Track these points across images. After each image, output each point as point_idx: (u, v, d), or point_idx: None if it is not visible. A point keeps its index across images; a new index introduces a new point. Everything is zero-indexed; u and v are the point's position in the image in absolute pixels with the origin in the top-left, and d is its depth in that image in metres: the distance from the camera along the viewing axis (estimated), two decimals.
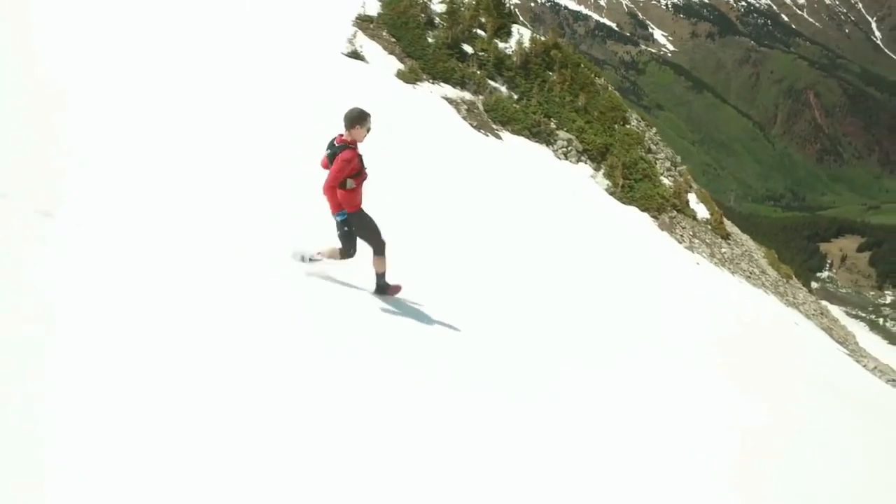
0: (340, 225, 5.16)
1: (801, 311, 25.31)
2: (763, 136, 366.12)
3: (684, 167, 29.08)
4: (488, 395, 4.89)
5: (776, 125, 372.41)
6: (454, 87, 21.96)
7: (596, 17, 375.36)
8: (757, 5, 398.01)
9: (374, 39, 22.88)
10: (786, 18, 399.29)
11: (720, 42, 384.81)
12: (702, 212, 26.48)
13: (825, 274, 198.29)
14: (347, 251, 5.30)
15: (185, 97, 10.30)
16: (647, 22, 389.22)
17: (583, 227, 17.98)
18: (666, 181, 25.60)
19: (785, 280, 28.84)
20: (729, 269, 22.97)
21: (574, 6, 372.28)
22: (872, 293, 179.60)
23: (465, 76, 22.47)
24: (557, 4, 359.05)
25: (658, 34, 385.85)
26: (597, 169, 23.06)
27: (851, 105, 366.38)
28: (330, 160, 4.95)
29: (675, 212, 23.65)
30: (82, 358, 2.85)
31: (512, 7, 29.93)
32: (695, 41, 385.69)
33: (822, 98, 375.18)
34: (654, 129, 29.58)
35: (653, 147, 27.06)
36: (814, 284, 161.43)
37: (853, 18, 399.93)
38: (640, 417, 6.20)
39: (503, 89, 23.47)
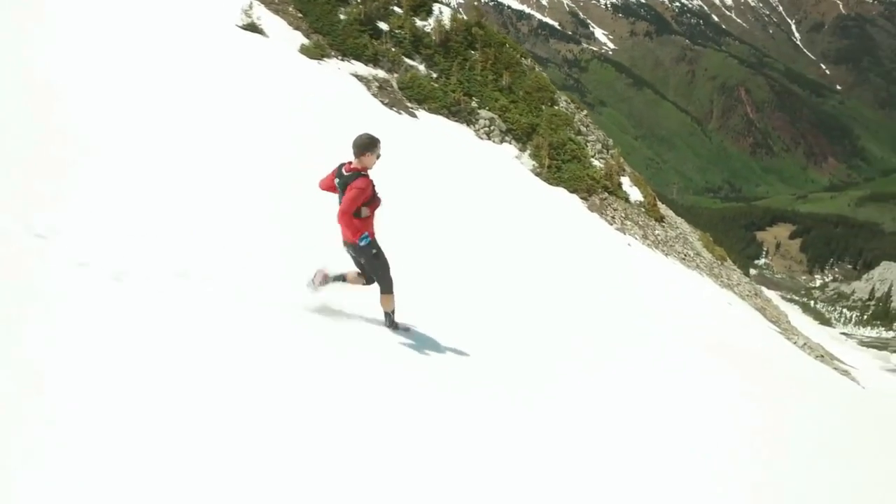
0: (362, 251, 4.91)
1: (735, 293, 24.65)
2: (701, 131, 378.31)
3: (616, 150, 28.12)
4: (487, 398, 4.89)
5: (712, 120, 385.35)
6: (366, 64, 20.19)
7: (538, 16, 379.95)
8: (690, 6, 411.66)
9: (278, 14, 20.85)
10: (716, 19, 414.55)
11: (658, 41, 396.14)
12: (635, 195, 25.53)
13: (762, 261, 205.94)
14: (370, 278, 5.18)
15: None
16: (588, 21, 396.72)
17: (507, 207, 16.48)
18: (597, 163, 24.49)
19: (720, 262, 28.24)
20: (663, 250, 21.99)
21: (517, 5, 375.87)
22: (804, 277, 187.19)
23: (378, 53, 20.73)
24: (501, 4, 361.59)
25: (599, 33, 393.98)
26: (522, 149, 21.69)
27: (778, 101, 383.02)
28: (341, 189, 4.77)
29: (606, 193, 22.55)
30: (89, 362, 2.90)
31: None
32: (634, 39, 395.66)
33: (753, 94, 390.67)
34: (584, 112, 28.47)
35: (583, 129, 25.92)
36: (752, 271, 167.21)
37: (775, 20, 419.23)
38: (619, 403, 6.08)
39: (421, 67, 21.84)
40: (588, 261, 15.77)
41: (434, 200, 13.21)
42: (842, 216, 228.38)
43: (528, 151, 21.17)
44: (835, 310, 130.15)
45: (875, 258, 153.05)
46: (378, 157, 4.83)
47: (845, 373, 22.94)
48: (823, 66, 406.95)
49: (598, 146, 26.10)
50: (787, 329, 22.40)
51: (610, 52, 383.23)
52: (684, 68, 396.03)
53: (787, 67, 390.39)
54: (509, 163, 20.25)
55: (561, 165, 21.49)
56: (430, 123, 18.95)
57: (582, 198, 20.83)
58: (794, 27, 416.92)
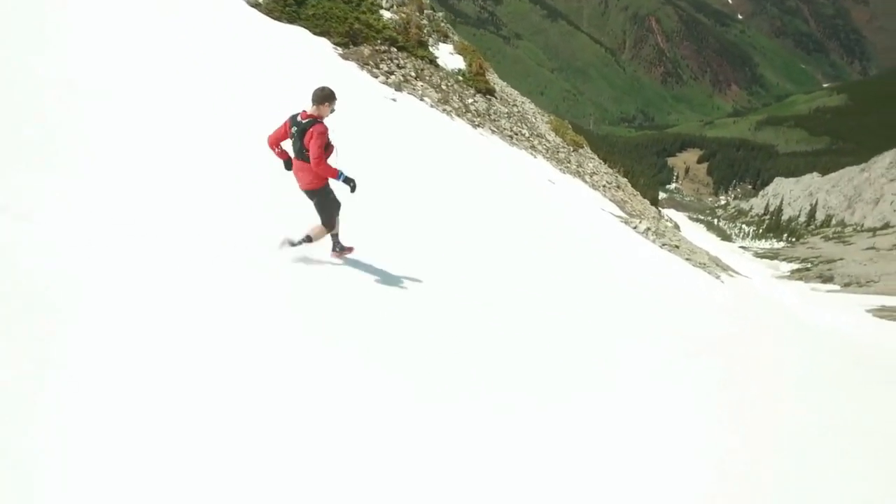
0: (323, 193, 5.05)
1: (587, 181, 18.90)
2: (615, 62, 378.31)
3: (441, 14, 21.34)
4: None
5: (625, 51, 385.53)
6: None
7: None
8: None
9: None
10: None
11: None
12: (455, 62, 18.87)
13: (673, 185, 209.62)
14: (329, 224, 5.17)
15: None
16: None
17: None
18: (387, 13, 17.48)
19: (573, 148, 22.23)
20: (476, 121, 15.60)
21: None
22: (710, 199, 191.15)
23: None
24: None
25: None
26: None
27: (686, 30, 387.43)
28: (299, 136, 4.73)
29: (389, 46, 15.63)
30: (76, 357, 2.63)
31: None
32: None
33: (663, 24, 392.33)
34: None
35: None
36: (663, 195, 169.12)
37: None
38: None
39: None
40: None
41: None
42: (743, 140, 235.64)
43: None
44: (735, 226, 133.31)
45: (770, 177, 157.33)
46: (332, 110, 4.88)
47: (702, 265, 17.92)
48: None
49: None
50: (645, 221, 17.00)
51: None
52: None
53: None
54: None
55: None
56: None
57: (337, 43, 13.87)
58: None
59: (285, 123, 4.85)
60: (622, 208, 20.61)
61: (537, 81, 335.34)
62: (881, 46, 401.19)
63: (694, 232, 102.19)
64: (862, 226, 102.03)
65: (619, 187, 23.10)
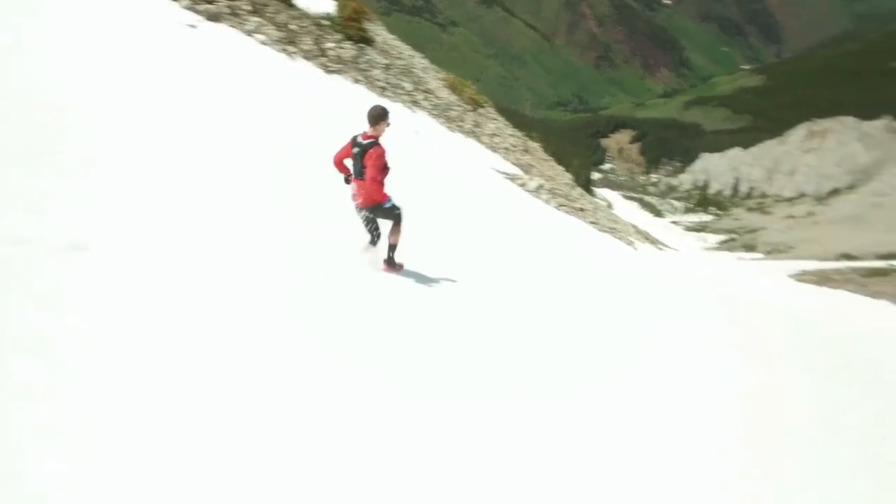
0: (385, 210, 5.20)
1: (484, 143, 16.16)
2: (549, 47, 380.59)
3: None
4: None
5: (559, 36, 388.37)
6: None
7: None
8: None
9: None
10: None
11: None
12: (321, 7, 15.64)
13: (607, 165, 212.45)
14: (374, 239, 5.41)
15: None
16: None
17: None
18: None
19: (471, 108, 19.32)
20: (332, 67, 12.52)
21: None
22: (643, 177, 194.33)
23: None
24: None
25: None
26: None
27: (617, 15, 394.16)
28: (360, 156, 4.97)
29: None
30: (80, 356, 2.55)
31: None
32: None
33: (595, 9, 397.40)
34: None
35: None
36: (598, 175, 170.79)
37: None
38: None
39: None
40: None
41: None
42: (672, 119, 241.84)
43: None
44: (666, 202, 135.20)
45: (698, 155, 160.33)
46: (388, 125, 5.06)
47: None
48: None
49: None
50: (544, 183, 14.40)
51: None
52: None
53: None
54: None
55: None
56: None
57: None
58: None
59: (348, 143, 5.11)
60: (527, 172, 18.06)
61: (474, 68, 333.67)
62: (792, 30, 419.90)
63: (627, 209, 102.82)
64: (781, 196, 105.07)
65: (526, 151, 20.59)
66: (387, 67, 17.09)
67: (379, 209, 5.10)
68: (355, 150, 4.94)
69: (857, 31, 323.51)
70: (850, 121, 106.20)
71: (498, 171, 14.59)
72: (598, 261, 11.48)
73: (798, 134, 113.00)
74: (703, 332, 7.77)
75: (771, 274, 40.93)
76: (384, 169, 4.94)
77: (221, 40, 10.68)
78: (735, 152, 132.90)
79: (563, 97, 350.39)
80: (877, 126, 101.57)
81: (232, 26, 11.75)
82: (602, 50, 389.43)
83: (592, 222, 16.64)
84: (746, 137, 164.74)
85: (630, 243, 19.24)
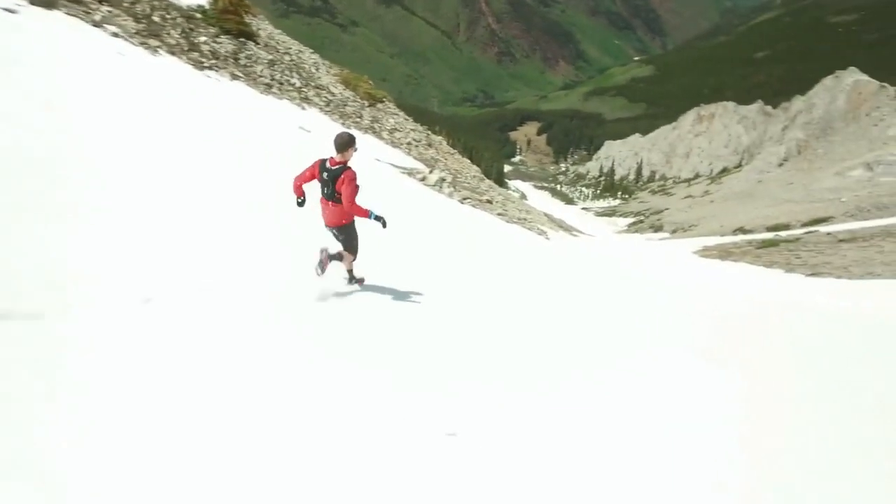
0: (348, 229, 5.41)
1: (385, 138, 14.74)
2: (452, 44, 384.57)
3: None
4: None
5: (460, 33, 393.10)
6: None
7: None
8: None
9: None
10: None
11: None
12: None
13: (517, 158, 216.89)
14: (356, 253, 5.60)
15: None
16: None
17: None
18: None
19: (368, 103, 17.91)
20: (206, 62, 10.66)
21: None
22: (553, 167, 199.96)
23: None
24: None
25: None
26: None
27: (514, 11, 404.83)
28: (331, 181, 5.08)
29: None
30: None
31: None
32: None
33: (492, 6, 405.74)
34: None
35: None
36: (509, 168, 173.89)
37: None
38: None
39: None
40: None
41: None
42: (574, 110, 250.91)
43: None
44: (576, 190, 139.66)
45: (601, 142, 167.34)
46: (356, 150, 5.22)
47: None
48: None
49: None
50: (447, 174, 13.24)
51: None
52: None
53: None
54: None
55: None
56: None
57: None
58: None
59: (313, 168, 5.21)
60: (432, 166, 16.98)
61: (379, 68, 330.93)
62: (673, 25, 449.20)
63: (540, 199, 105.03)
64: (679, 178, 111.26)
65: (430, 145, 19.53)
66: (272, 63, 15.42)
67: (344, 229, 5.34)
68: (325, 175, 5.06)
69: (726, 25, 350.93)
70: (731, 105, 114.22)
71: (394, 165, 13.40)
72: (507, 253, 10.65)
73: (688, 119, 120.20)
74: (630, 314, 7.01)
75: (678, 252, 42.62)
76: (357, 189, 5.14)
77: (65, 34, 8.67)
78: (635, 139, 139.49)
79: (469, 93, 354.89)
80: (753, 109, 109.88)
81: (69, 13, 9.73)
82: (503, 45, 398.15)
83: (500, 214, 15.87)
84: (644, 124, 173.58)
85: (542, 233, 18.73)
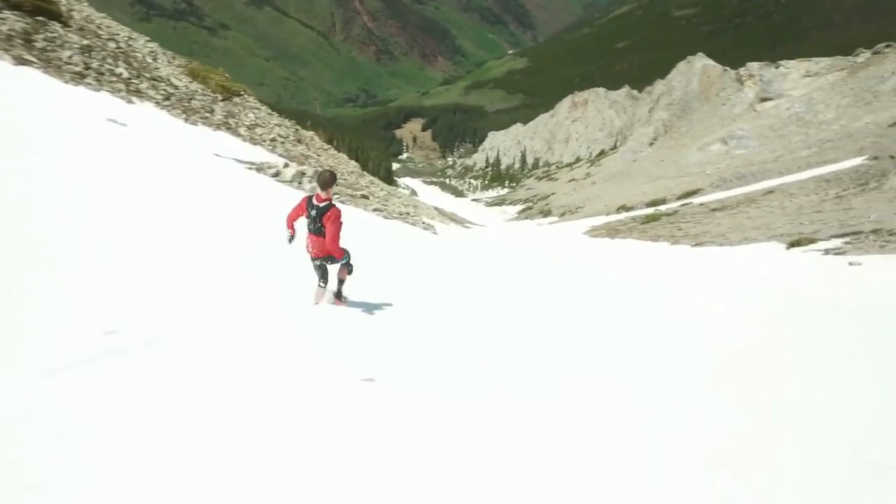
0: (330, 259, 5.69)
1: (242, 134, 12.21)
2: (329, 45, 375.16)
3: None
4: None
5: (337, 33, 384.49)
6: None
7: None
8: None
9: None
10: None
11: None
12: None
13: (405, 155, 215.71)
14: (323, 282, 5.86)
15: None
16: None
17: None
18: None
19: (221, 97, 15.25)
20: (10, 51, 7.53)
21: None
22: (440, 162, 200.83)
23: None
24: None
25: None
26: None
27: (388, 9, 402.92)
28: (319, 216, 5.38)
29: None
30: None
31: None
32: None
33: (366, 4, 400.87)
34: None
35: None
36: (397, 165, 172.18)
37: None
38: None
39: None
40: None
41: None
42: (457, 104, 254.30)
43: None
44: (465, 182, 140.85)
45: (485, 134, 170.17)
46: (336, 185, 5.63)
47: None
48: None
49: None
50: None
51: None
52: None
53: None
54: None
55: None
56: None
57: None
58: None
59: (301, 204, 5.57)
60: (303, 162, 14.77)
61: (255, 72, 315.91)
62: (541, 18, 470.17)
63: (431, 194, 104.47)
64: (562, 162, 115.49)
65: (299, 141, 17.25)
66: (88, 49, 12.44)
67: (330, 259, 5.64)
68: (312, 211, 5.39)
69: (589, 18, 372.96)
70: (601, 91, 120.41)
71: (240, 160, 11.13)
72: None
73: (564, 106, 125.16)
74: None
75: (569, 233, 43.23)
76: (340, 227, 5.48)
77: None
78: (517, 128, 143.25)
79: (350, 93, 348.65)
80: (621, 94, 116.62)
81: None
82: (380, 44, 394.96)
83: (377, 209, 14.14)
84: (524, 113, 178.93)
85: (428, 227, 17.24)
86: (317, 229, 5.35)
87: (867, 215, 22.36)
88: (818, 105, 57.19)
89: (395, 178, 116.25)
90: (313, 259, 5.58)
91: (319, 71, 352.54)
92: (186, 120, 12.63)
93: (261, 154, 13.16)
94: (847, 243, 17.87)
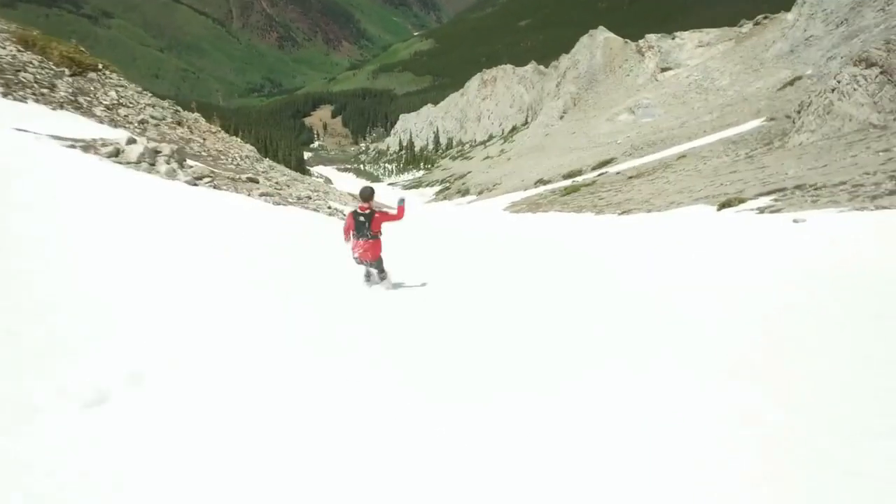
0: (380, 261, 6.47)
1: (97, 115, 8.71)
2: (227, 33, 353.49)
3: None
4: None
5: (234, 20, 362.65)
6: None
7: None
8: None
9: None
10: None
11: None
12: None
13: (316, 143, 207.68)
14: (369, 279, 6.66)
15: None
16: None
17: None
18: None
19: (69, 72, 11.95)
20: None
21: None
22: (353, 148, 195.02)
23: None
24: None
25: None
26: None
27: None
28: (368, 223, 6.09)
29: None
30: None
31: None
32: None
33: None
34: None
35: None
36: (309, 154, 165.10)
37: None
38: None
39: None
40: None
41: None
42: (365, 89, 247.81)
43: None
44: (380, 167, 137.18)
45: (397, 117, 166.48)
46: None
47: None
48: None
49: None
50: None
51: None
52: None
53: None
54: None
55: None
56: None
57: None
58: None
59: (349, 218, 6.30)
60: (187, 144, 11.84)
61: (147, 63, 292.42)
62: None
63: (346, 181, 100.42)
64: (475, 141, 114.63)
65: (179, 124, 14.26)
66: None
67: (378, 262, 6.37)
68: (361, 219, 6.09)
69: None
70: (509, 68, 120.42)
71: (58, 137, 8.22)
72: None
73: (474, 85, 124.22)
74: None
75: (491, 210, 41.94)
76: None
77: None
78: (428, 109, 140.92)
79: (254, 82, 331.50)
80: (529, 70, 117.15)
81: None
82: (282, 31, 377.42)
83: (264, 194, 11.76)
84: (434, 94, 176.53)
85: (335, 212, 15.07)
86: (367, 234, 6.07)
87: (784, 172, 22.28)
88: (714, 73, 59.16)
89: (308, 168, 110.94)
90: (365, 262, 6.30)
91: (219, 60, 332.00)
92: (5, 95, 9.51)
93: (99, 130, 10.22)
94: (776, 200, 17.34)
